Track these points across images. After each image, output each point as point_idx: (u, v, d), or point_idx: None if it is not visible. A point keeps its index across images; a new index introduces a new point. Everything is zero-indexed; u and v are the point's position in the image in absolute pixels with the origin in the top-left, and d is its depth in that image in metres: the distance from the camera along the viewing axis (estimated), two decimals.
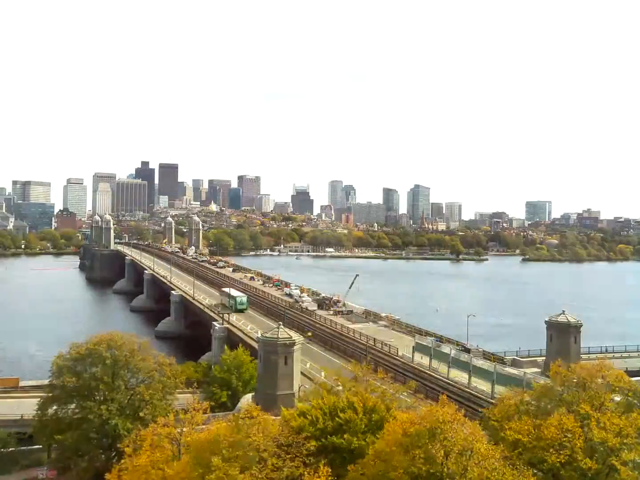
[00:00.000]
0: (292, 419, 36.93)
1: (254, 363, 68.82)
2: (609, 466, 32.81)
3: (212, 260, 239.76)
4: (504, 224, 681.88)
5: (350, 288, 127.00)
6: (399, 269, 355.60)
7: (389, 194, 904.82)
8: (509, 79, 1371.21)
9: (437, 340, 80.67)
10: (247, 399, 56.70)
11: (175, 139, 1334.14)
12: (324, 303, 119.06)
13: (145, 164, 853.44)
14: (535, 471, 31.85)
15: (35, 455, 55.50)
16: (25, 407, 61.97)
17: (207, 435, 33.45)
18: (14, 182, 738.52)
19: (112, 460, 45.72)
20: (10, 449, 57.32)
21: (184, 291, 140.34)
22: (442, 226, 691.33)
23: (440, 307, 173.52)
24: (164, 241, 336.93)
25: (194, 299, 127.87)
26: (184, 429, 36.10)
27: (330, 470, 31.40)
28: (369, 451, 32.93)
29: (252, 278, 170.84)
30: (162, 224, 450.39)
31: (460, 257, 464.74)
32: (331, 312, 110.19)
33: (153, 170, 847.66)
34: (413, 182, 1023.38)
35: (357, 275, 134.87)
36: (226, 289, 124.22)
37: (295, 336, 56.37)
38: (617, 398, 37.37)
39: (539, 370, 68.20)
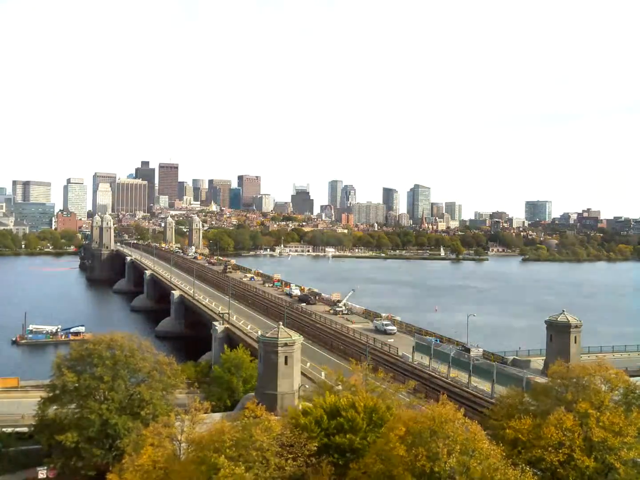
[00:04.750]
0: (298, 417, 36.91)
1: (254, 363, 68.79)
2: (608, 465, 32.89)
3: (212, 260, 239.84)
4: (504, 224, 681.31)
5: (348, 298, 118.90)
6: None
7: (389, 193, 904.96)
8: (508, 78, 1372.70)
9: (437, 340, 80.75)
10: (247, 399, 56.71)
11: (175, 139, 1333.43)
12: (308, 298, 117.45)
13: (145, 164, 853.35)
14: (534, 470, 31.92)
15: (35, 455, 55.43)
16: (25, 407, 62.09)
17: (211, 434, 33.45)
18: (14, 182, 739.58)
19: (113, 460, 45.79)
20: (11, 449, 57.31)
21: (184, 291, 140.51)
22: (442, 226, 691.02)
23: None
24: (162, 244, 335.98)
25: (194, 298, 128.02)
26: (185, 429, 36.17)
27: (333, 469, 31.43)
28: (370, 450, 32.93)
29: (251, 278, 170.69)
30: (162, 224, 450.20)
31: (461, 257, 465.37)
32: (331, 312, 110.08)
33: (153, 170, 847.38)
34: (413, 182, 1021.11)
35: (353, 290, 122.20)
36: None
37: (296, 336, 56.43)
38: (616, 397, 37.43)
39: (539, 370, 68.24)
